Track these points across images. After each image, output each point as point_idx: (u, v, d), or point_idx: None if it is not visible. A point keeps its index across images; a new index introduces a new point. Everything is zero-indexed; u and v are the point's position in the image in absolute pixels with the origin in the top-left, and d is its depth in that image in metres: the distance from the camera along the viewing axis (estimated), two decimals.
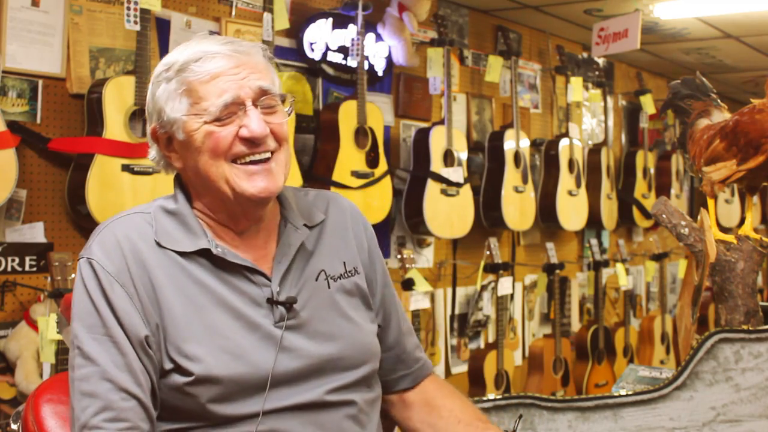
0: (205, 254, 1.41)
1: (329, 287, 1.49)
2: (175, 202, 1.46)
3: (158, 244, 1.39)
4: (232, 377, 1.35)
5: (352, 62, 3.75)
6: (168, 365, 1.36)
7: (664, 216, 2.20)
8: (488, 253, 4.35)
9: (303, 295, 1.45)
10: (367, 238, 1.60)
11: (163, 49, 3.13)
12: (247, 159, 1.39)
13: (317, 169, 3.55)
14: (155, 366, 1.36)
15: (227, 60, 1.39)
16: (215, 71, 1.38)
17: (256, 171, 1.39)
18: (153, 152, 1.48)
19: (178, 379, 1.35)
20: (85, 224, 2.83)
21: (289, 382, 1.40)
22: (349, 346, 1.46)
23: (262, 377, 1.37)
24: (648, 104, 5.80)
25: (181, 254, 1.40)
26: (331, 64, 3.76)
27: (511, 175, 4.40)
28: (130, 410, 1.31)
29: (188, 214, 1.44)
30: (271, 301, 1.41)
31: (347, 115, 3.54)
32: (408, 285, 3.73)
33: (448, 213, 4.02)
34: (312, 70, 3.71)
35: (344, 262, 1.53)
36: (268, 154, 1.41)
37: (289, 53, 3.62)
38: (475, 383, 4.27)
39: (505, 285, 4.37)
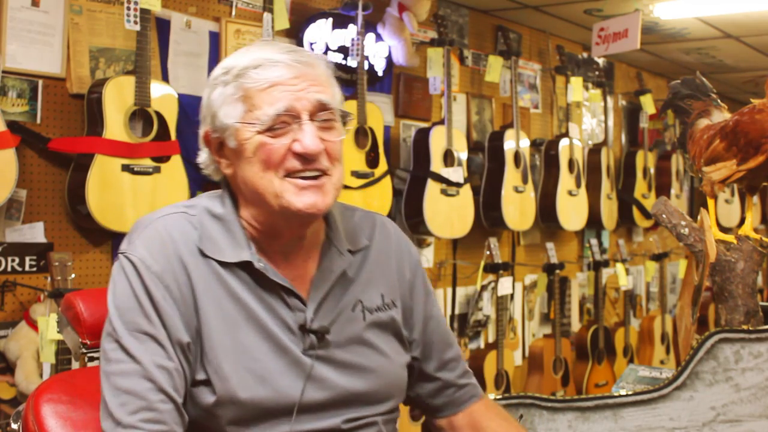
0: (245, 267, 1.37)
1: (364, 319, 1.45)
2: (222, 205, 1.42)
3: (201, 252, 1.36)
4: (254, 400, 1.32)
5: (352, 62, 3.75)
6: (201, 375, 1.33)
7: (664, 216, 2.19)
8: (488, 253, 4.35)
9: (336, 326, 1.41)
10: (410, 268, 1.55)
11: (163, 49, 3.13)
12: (298, 175, 1.34)
13: None
14: (191, 373, 1.33)
15: (288, 69, 1.34)
16: (274, 80, 1.33)
17: (306, 186, 1.34)
18: (203, 155, 1.44)
19: (203, 393, 1.33)
20: (85, 224, 2.83)
21: (311, 411, 1.37)
22: (378, 381, 1.44)
23: (283, 403, 1.34)
24: (648, 104, 5.80)
25: (222, 264, 1.36)
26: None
27: (511, 175, 4.40)
28: (167, 413, 1.28)
29: (234, 222, 1.40)
30: (304, 329, 1.38)
31: None
32: None
33: (448, 213, 4.01)
34: None
35: (382, 294, 1.49)
36: (319, 173, 1.35)
37: None
38: None
39: (505, 285, 4.37)
